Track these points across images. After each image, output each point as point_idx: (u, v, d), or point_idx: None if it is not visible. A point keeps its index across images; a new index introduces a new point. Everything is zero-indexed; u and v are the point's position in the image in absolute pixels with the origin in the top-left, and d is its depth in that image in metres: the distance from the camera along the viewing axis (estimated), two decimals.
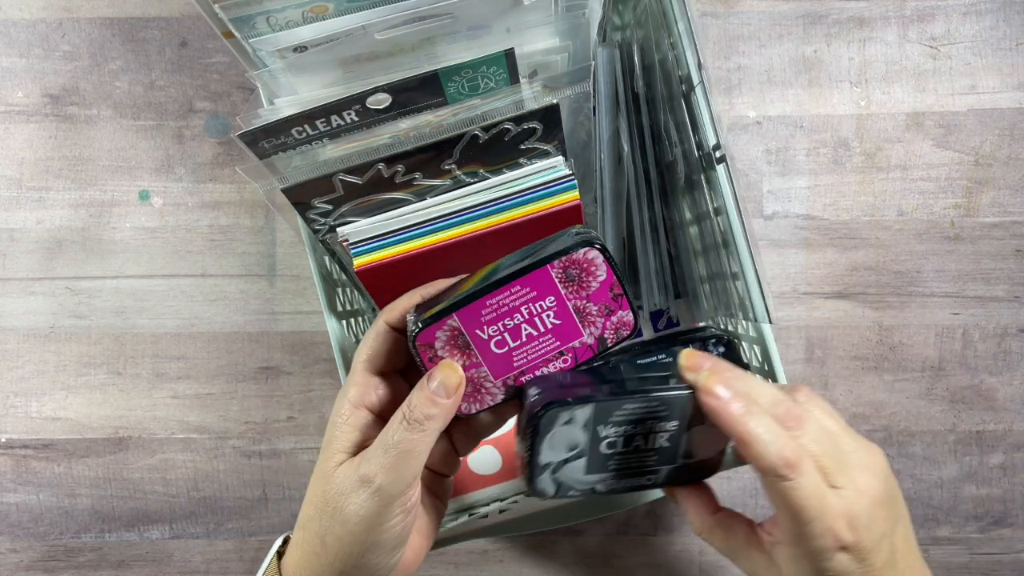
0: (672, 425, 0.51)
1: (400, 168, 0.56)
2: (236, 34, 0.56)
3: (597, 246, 0.49)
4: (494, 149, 0.56)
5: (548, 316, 0.49)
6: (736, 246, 0.64)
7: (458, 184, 0.58)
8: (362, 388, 0.50)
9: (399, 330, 0.51)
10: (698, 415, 0.50)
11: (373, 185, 0.56)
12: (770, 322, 0.64)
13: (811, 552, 0.46)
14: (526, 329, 0.49)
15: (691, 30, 0.64)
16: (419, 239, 0.58)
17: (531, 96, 0.55)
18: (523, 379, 0.51)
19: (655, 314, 0.78)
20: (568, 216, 0.59)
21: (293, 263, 0.84)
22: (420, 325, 0.48)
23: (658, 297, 0.72)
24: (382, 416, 0.51)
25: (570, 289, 0.49)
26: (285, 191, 0.55)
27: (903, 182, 0.83)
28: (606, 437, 0.51)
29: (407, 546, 0.52)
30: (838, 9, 0.84)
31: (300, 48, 0.57)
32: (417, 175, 0.56)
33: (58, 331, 0.85)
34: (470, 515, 0.69)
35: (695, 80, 0.64)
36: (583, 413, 0.49)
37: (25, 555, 0.85)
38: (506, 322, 0.49)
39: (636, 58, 0.72)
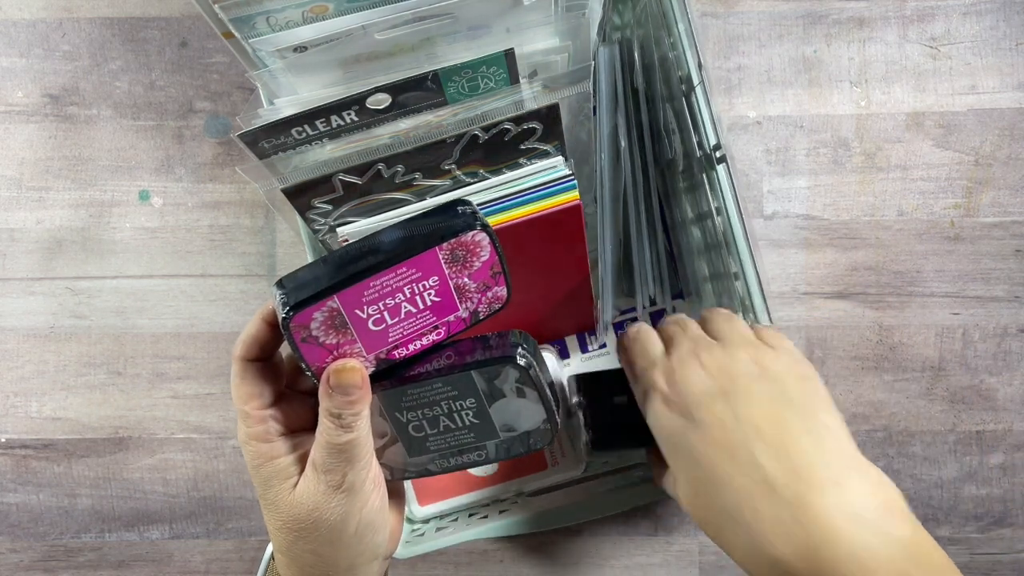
0: (470, 403, 0.52)
1: (400, 168, 0.56)
2: (236, 34, 0.56)
3: (484, 228, 0.49)
4: (494, 149, 0.56)
5: (429, 294, 0.50)
6: (736, 246, 0.64)
7: (458, 184, 0.58)
8: (263, 424, 0.51)
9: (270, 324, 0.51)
10: (494, 391, 0.52)
11: (373, 185, 0.56)
12: (770, 322, 0.65)
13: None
14: (406, 307, 0.49)
15: (691, 30, 0.64)
16: None
17: (531, 96, 0.55)
18: (396, 352, 0.51)
19: (655, 315, 0.78)
20: (568, 216, 0.59)
21: (293, 263, 0.84)
22: (293, 308, 0.47)
23: (654, 292, 0.72)
24: (292, 430, 0.52)
25: (454, 269, 0.49)
26: (285, 191, 0.55)
27: (903, 182, 0.83)
28: (409, 421, 0.53)
29: (389, 513, 0.54)
30: (838, 9, 0.84)
31: (300, 48, 0.57)
32: (417, 175, 0.56)
33: (58, 331, 0.85)
34: (470, 515, 0.69)
35: (695, 80, 0.64)
36: (372, 404, 0.51)
37: (25, 555, 0.85)
38: (387, 301, 0.49)
39: (636, 55, 0.72)
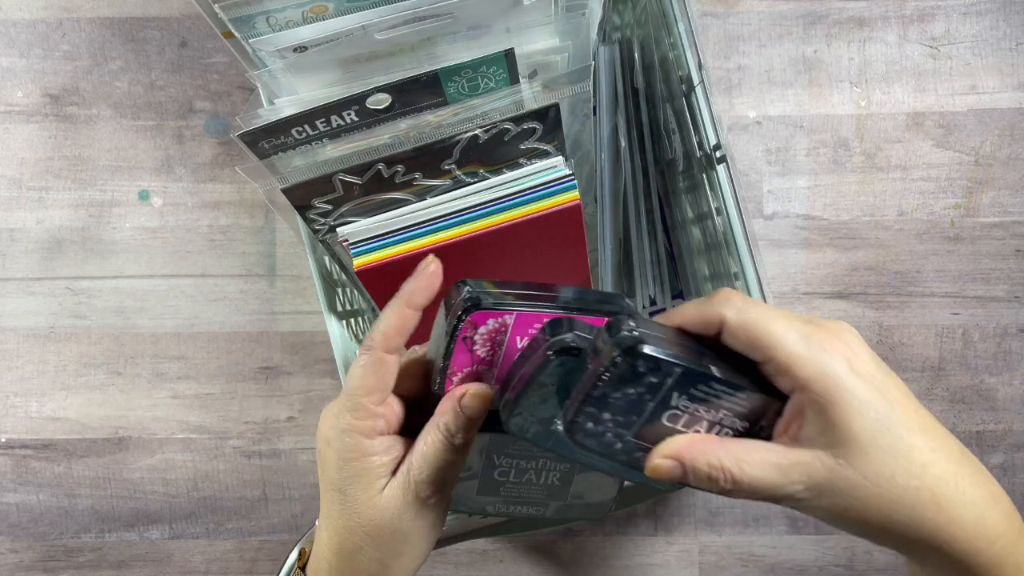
0: (564, 467, 0.53)
1: (400, 168, 0.56)
2: (236, 34, 0.56)
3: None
4: (494, 149, 0.56)
5: None
6: (736, 246, 0.64)
7: (458, 184, 0.58)
8: (373, 420, 0.49)
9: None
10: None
11: (373, 185, 0.56)
12: None
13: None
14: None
15: (691, 30, 0.64)
16: (419, 239, 0.58)
17: (531, 96, 0.55)
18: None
19: (654, 315, 0.78)
20: (568, 216, 0.59)
21: (293, 263, 0.84)
22: (480, 306, 0.47)
23: (654, 292, 0.72)
24: (391, 431, 0.51)
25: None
26: (285, 191, 0.55)
27: (903, 182, 0.83)
28: (499, 466, 0.53)
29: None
30: (838, 9, 0.84)
31: (300, 48, 0.57)
32: (417, 175, 0.56)
33: (58, 331, 0.85)
34: (470, 515, 0.69)
35: (695, 80, 0.64)
36: (480, 439, 0.51)
37: (25, 555, 0.85)
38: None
39: (636, 55, 0.72)
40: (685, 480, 0.43)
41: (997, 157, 0.83)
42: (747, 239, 0.64)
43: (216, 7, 0.54)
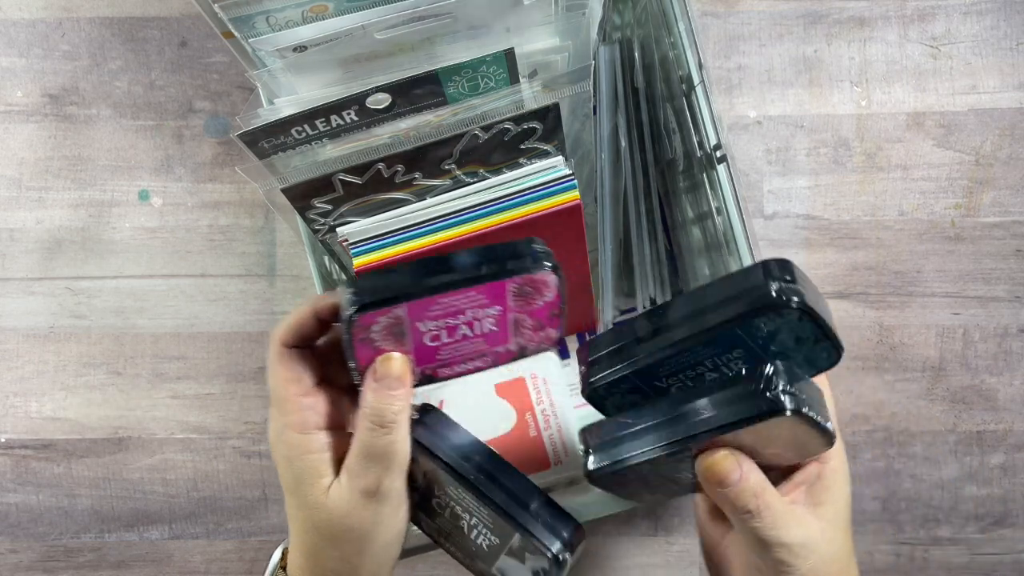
0: (493, 539, 0.53)
1: (400, 168, 0.56)
2: (236, 34, 0.56)
3: (556, 271, 0.49)
4: (494, 149, 0.56)
5: (488, 322, 0.50)
6: (737, 246, 0.64)
7: (458, 184, 0.58)
8: (300, 413, 0.50)
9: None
10: (520, 551, 0.53)
11: (373, 185, 0.56)
12: None
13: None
14: (463, 330, 0.50)
15: (691, 30, 0.64)
16: (419, 239, 0.58)
17: (531, 96, 0.55)
18: (441, 371, 0.52)
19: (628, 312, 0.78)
20: (568, 216, 0.59)
21: (293, 263, 0.84)
22: (362, 308, 0.47)
23: (654, 292, 0.72)
24: (330, 425, 0.52)
25: (517, 303, 0.50)
26: (285, 191, 0.55)
27: (903, 182, 0.83)
28: (437, 497, 0.54)
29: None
30: (838, 9, 0.84)
31: (300, 48, 0.57)
32: (417, 175, 0.56)
33: (58, 331, 0.85)
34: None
35: (695, 80, 0.64)
36: (426, 464, 0.52)
37: (25, 555, 0.85)
38: (448, 320, 0.49)
39: (636, 55, 0.72)
40: (725, 487, 0.47)
41: (998, 157, 0.83)
42: (747, 239, 0.64)
43: (216, 7, 0.54)
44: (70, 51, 0.85)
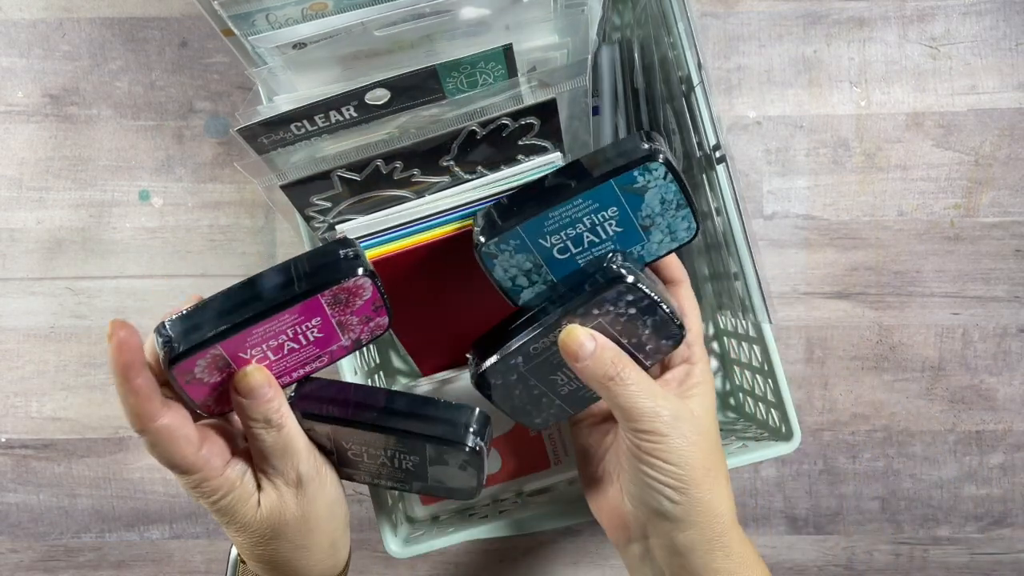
0: (413, 458, 0.55)
1: (398, 164, 0.56)
2: (236, 31, 0.56)
3: (367, 273, 0.50)
4: (492, 145, 0.56)
5: (312, 332, 0.51)
6: (736, 246, 0.65)
7: (456, 180, 0.58)
8: (203, 472, 0.50)
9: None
10: (439, 457, 0.55)
11: (372, 182, 0.56)
12: (770, 322, 0.65)
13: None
14: (289, 345, 0.51)
15: (691, 30, 0.64)
16: (417, 235, 0.58)
17: (529, 92, 0.55)
18: (280, 379, 0.53)
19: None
20: None
21: None
22: (175, 359, 0.48)
23: None
24: (233, 453, 0.53)
25: (336, 310, 0.51)
26: (284, 188, 0.55)
27: (903, 182, 0.83)
28: (350, 449, 0.55)
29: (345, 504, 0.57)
30: (838, 9, 0.84)
31: (299, 45, 0.57)
32: (415, 171, 0.56)
33: (58, 331, 0.85)
34: (470, 515, 0.69)
35: (695, 80, 0.64)
36: (322, 428, 0.53)
37: (25, 555, 0.85)
38: (270, 343, 0.50)
39: (636, 55, 0.72)
40: (582, 359, 0.51)
41: (997, 157, 0.83)
42: (747, 239, 0.64)
43: (216, 4, 0.54)
44: (71, 51, 0.85)
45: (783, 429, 0.66)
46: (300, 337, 0.51)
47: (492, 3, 0.57)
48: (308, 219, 0.59)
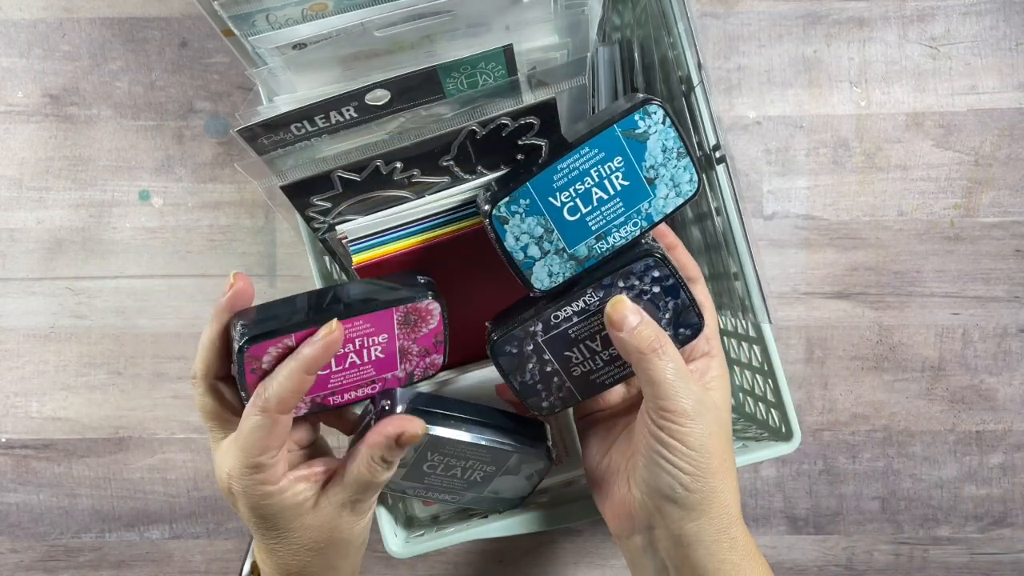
0: (489, 468, 0.58)
1: (398, 165, 0.56)
2: (236, 32, 0.56)
3: (438, 300, 0.53)
4: (492, 145, 0.56)
5: (376, 350, 0.53)
6: (736, 246, 0.64)
7: (456, 180, 0.58)
8: (271, 472, 0.51)
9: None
10: (515, 466, 0.57)
11: (372, 182, 0.56)
12: (770, 322, 0.65)
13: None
14: (352, 358, 0.53)
15: (691, 30, 0.64)
16: (418, 235, 0.58)
17: (528, 90, 0.55)
18: (331, 399, 0.54)
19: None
20: None
21: (293, 263, 0.84)
22: (251, 340, 0.49)
23: None
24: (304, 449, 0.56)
25: (403, 331, 0.53)
26: (284, 188, 0.55)
27: (903, 182, 0.83)
28: (429, 460, 0.57)
29: None
30: (838, 9, 0.84)
31: (299, 45, 0.57)
32: (415, 172, 0.56)
33: (58, 331, 0.85)
34: (470, 515, 0.69)
35: (695, 80, 0.64)
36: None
37: (25, 555, 0.85)
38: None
39: (636, 55, 0.72)
40: (627, 327, 0.52)
41: (997, 157, 0.83)
42: (747, 239, 0.64)
43: (216, 4, 0.54)
44: (71, 51, 0.85)
45: (783, 429, 0.66)
46: (364, 352, 0.53)
47: (492, 3, 0.57)
48: (308, 219, 0.59)
